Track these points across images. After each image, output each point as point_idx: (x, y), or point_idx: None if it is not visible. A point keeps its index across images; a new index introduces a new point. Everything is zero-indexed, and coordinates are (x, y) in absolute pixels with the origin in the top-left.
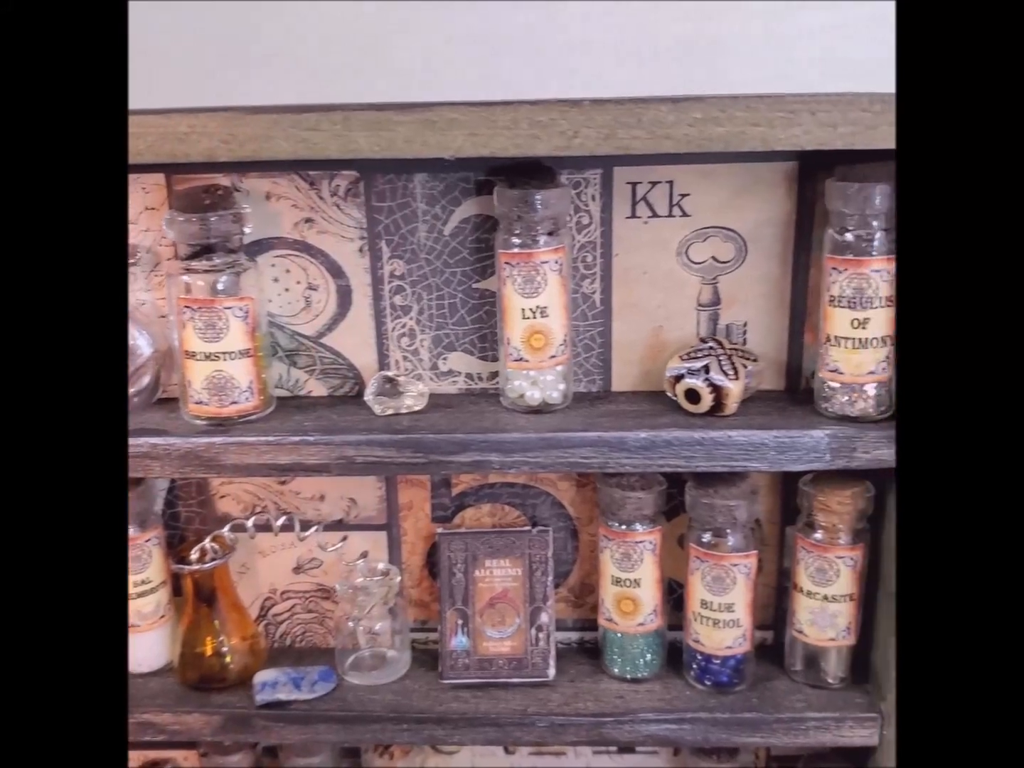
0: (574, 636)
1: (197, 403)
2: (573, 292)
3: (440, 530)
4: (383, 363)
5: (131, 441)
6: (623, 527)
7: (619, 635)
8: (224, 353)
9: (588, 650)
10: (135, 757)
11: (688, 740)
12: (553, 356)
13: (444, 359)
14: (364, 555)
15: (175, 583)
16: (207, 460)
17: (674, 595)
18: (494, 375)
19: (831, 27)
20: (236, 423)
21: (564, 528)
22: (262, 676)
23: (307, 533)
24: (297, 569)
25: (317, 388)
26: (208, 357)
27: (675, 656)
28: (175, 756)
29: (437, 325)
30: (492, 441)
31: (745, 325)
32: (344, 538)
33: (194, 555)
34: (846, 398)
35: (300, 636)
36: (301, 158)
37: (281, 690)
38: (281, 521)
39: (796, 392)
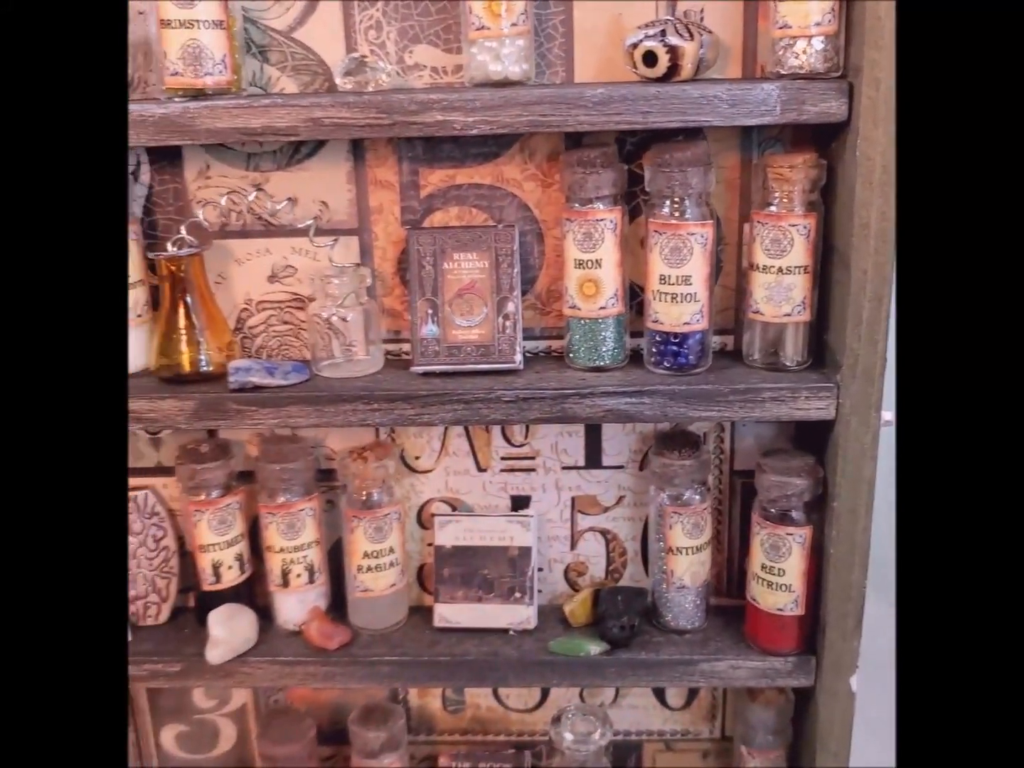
0: (541, 345)
1: (173, 75)
2: None
3: (409, 228)
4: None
5: None
6: (584, 207)
7: (582, 322)
8: (199, 21)
9: (555, 357)
10: None
11: (647, 415)
12: (514, 24)
13: (410, 52)
14: (335, 240)
15: (153, 296)
16: (181, 126)
17: (636, 300)
18: (459, 68)
19: None
20: (212, 97)
21: (531, 232)
22: (236, 363)
23: (308, 223)
24: (272, 278)
25: (288, 85)
26: (183, 24)
27: (638, 358)
28: (153, 483)
29: (403, 16)
30: (453, 100)
31: (702, 11)
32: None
33: (171, 244)
34: (794, 55)
35: (276, 349)
36: None
37: (255, 375)
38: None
39: (751, 77)
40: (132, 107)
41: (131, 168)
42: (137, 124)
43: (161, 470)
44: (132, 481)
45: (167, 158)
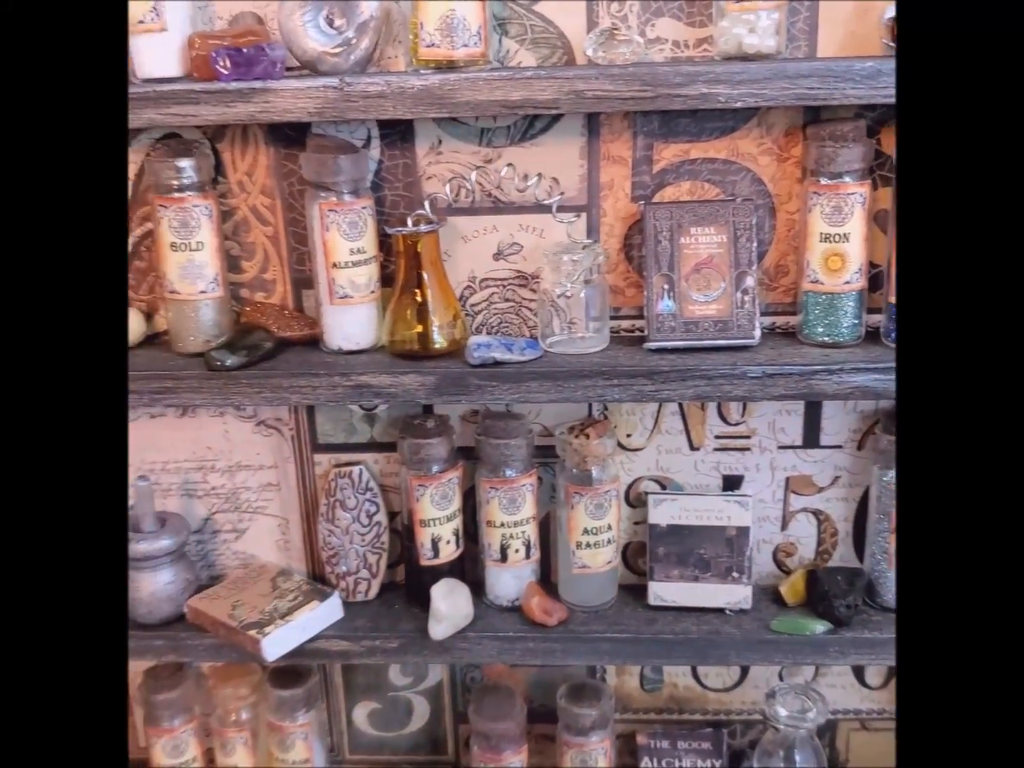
0: (766, 321)
1: (428, 46)
2: None
3: (643, 203)
4: (592, 30)
5: (364, 88)
6: (834, 180)
7: (823, 296)
8: None
9: (781, 334)
10: (323, 460)
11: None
12: None
13: (652, 25)
14: (577, 216)
15: (385, 273)
16: (440, 98)
17: (873, 272)
18: (702, 42)
19: None
20: (465, 69)
21: (763, 206)
22: (475, 339)
23: (553, 199)
24: (497, 255)
25: (526, 59)
26: None
27: (872, 335)
28: (365, 459)
29: None
30: (719, 72)
31: None
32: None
33: (410, 220)
34: None
35: (496, 327)
36: None
37: (496, 351)
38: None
39: None
40: (389, 79)
41: (361, 143)
42: (395, 95)
43: (374, 445)
44: (346, 456)
45: (398, 132)
